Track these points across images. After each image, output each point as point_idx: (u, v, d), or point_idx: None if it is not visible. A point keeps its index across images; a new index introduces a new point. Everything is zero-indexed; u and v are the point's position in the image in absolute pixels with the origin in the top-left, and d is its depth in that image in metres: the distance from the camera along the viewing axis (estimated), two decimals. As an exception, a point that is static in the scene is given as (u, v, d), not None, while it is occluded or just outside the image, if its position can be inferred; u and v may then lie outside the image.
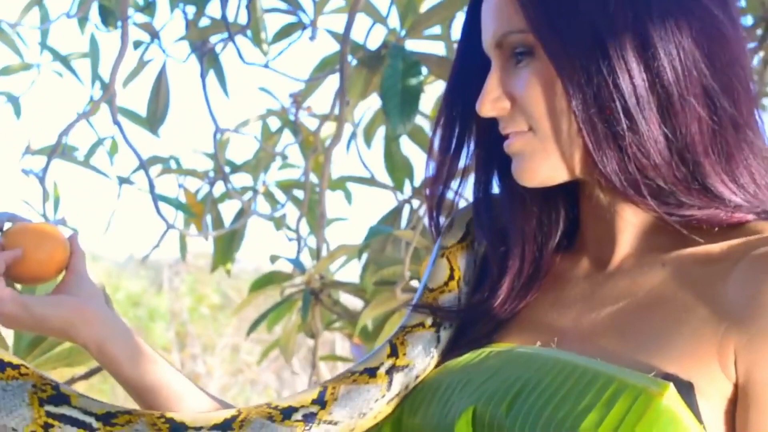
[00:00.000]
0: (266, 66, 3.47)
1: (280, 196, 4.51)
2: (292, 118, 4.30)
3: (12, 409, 1.33)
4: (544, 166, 1.39)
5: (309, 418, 1.42)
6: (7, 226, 1.53)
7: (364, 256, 3.72)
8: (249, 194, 4.37)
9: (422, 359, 1.49)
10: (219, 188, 4.41)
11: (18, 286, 1.58)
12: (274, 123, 4.47)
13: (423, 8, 3.39)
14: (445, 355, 1.50)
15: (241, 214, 4.35)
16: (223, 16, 3.35)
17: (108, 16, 3.75)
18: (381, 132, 4.07)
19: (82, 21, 4.12)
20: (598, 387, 1.23)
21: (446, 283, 1.55)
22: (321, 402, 1.43)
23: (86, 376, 2.69)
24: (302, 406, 1.42)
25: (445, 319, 1.52)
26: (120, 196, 4.16)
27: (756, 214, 1.36)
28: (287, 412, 1.41)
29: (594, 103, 1.31)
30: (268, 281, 3.80)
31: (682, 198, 1.34)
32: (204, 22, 3.74)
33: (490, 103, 1.40)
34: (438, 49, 3.71)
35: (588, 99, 1.32)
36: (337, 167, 4.04)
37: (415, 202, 3.90)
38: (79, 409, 1.35)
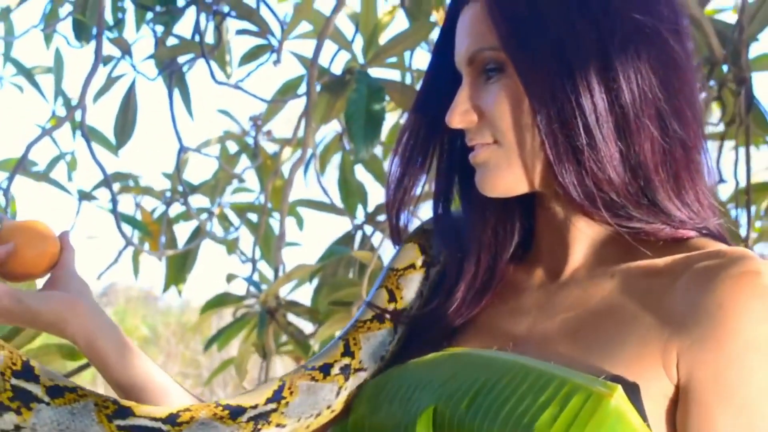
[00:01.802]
0: (236, 86, 3.51)
1: (233, 219, 4.55)
2: (251, 141, 4.34)
3: (84, 429, 1.36)
4: (506, 177, 1.47)
5: (262, 417, 1.46)
6: None
7: (315, 279, 3.77)
8: (204, 215, 4.39)
9: (374, 362, 1.55)
10: (174, 209, 4.45)
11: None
12: (232, 146, 4.51)
13: (383, 37, 3.46)
14: (397, 356, 1.56)
15: (196, 235, 4.37)
16: (198, 34, 3.38)
17: (82, 31, 3.77)
18: (335, 159, 4.14)
19: (48, 35, 4.14)
20: (553, 388, 1.30)
21: (413, 266, 1.63)
22: (277, 400, 1.47)
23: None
24: (255, 405, 1.47)
25: (399, 323, 1.58)
26: (79, 213, 4.16)
27: (698, 231, 1.46)
28: (237, 411, 1.45)
29: (557, 119, 1.40)
30: (220, 302, 3.83)
31: (632, 212, 1.43)
32: (171, 41, 3.77)
33: (460, 116, 1.47)
34: (396, 77, 3.75)
35: (552, 115, 1.40)
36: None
37: (368, 228, 3.95)
38: (144, 417, 1.39)
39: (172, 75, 3.67)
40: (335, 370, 1.54)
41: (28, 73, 4.27)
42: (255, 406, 1.47)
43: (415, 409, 1.39)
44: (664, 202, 1.43)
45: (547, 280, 1.54)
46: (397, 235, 1.65)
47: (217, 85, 3.47)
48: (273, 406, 1.48)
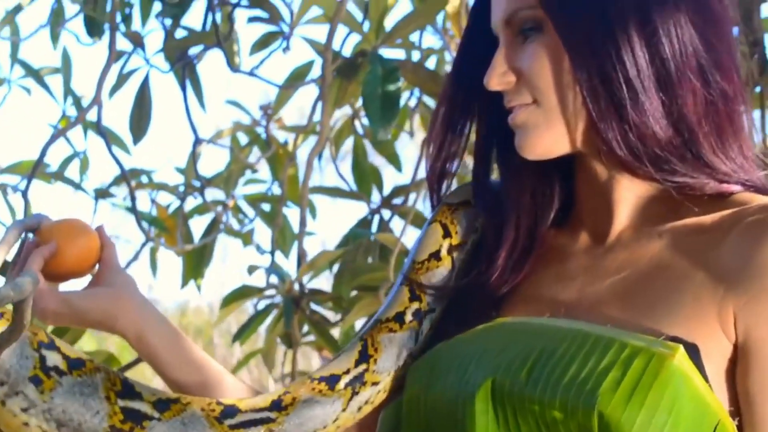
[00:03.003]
0: (252, 74, 3.49)
1: (246, 210, 4.53)
2: (262, 130, 4.32)
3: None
4: (546, 137, 1.46)
5: (357, 380, 1.51)
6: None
7: (335, 267, 3.76)
8: (219, 208, 4.38)
9: (393, 371, 1.55)
10: (188, 204, 4.43)
11: None
12: (242, 137, 4.50)
13: (389, 19, 3.45)
14: (441, 329, 1.56)
15: (212, 229, 4.36)
16: (214, 24, 3.37)
17: (93, 27, 3.75)
18: (347, 143, 4.13)
19: (56, 35, 4.13)
20: (613, 352, 1.29)
21: (436, 255, 1.61)
22: (278, 407, 1.47)
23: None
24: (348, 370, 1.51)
25: (438, 297, 1.58)
26: (96, 211, 4.16)
27: (742, 185, 1.45)
28: (333, 380, 1.50)
29: (598, 74, 1.40)
30: (241, 295, 3.81)
31: (677, 166, 1.42)
32: (180, 33, 3.76)
33: (498, 77, 1.47)
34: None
35: (592, 71, 1.40)
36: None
37: (385, 213, 3.94)
38: (251, 411, 1.45)
39: (185, 67, 3.66)
40: (408, 316, 1.56)
41: (36, 75, 4.26)
42: (348, 371, 1.51)
43: (472, 382, 1.38)
44: (708, 156, 1.42)
45: (592, 244, 1.52)
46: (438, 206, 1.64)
47: (233, 73, 3.46)
48: (364, 366, 1.52)
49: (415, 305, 1.57)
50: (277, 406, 1.45)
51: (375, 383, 1.52)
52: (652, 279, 1.41)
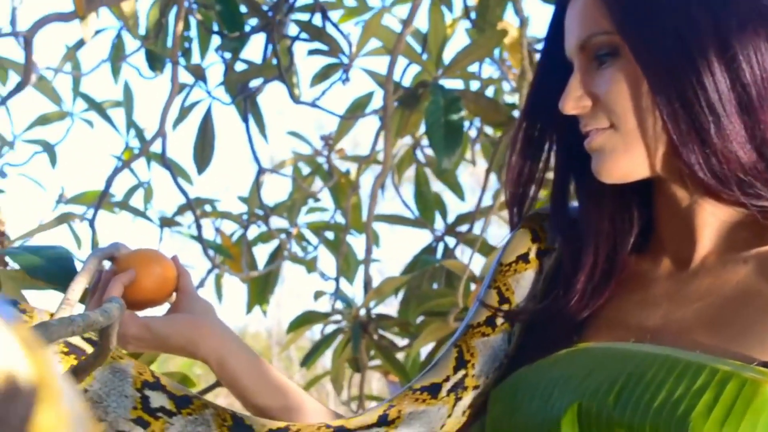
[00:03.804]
0: (314, 105, 3.54)
1: (310, 238, 4.58)
2: (323, 160, 4.37)
3: None
4: (624, 161, 1.45)
5: (458, 386, 1.52)
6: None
7: (400, 294, 3.79)
8: (283, 235, 4.43)
9: (491, 374, 1.57)
10: (251, 232, 4.48)
11: None
12: (304, 166, 4.54)
13: (447, 49, 3.48)
14: (520, 353, 1.57)
15: (275, 256, 4.41)
16: (275, 57, 3.42)
17: (155, 60, 3.82)
18: (409, 172, 4.17)
19: (116, 69, 4.20)
20: (704, 377, 1.28)
21: (524, 257, 1.63)
22: (386, 422, 1.50)
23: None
24: (447, 378, 1.53)
25: (517, 320, 1.59)
26: (162, 240, 4.21)
27: None
28: (435, 389, 1.52)
29: (678, 98, 1.39)
30: (307, 320, 3.85)
31: (761, 191, 1.41)
32: (239, 66, 3.81)
33: (573, 101, 1.47)
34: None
35: (672, 95, 1.39)
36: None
37: (450, 240, 3.96)
38: (360, 429, 1.47)
39: (247, 99, 3.71)
40: (499, 319, 1.58)
41: (98, 108, 4.33)
42: (447, 379, 1.53)
43: (557, 407, 1.37)
44: None
45: (675, 269, 1.52)
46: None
47: (295, 104, 3.50)
48: (462, 372, 1.54)
49: (505, 308, 1.59)
50: (384, 420, 1.48)
51: (476, 387, 1.54)
52: (739, 305, 1.41)
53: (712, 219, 1.48)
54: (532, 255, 1.63)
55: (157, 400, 1.40)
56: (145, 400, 1.39)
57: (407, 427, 1.49)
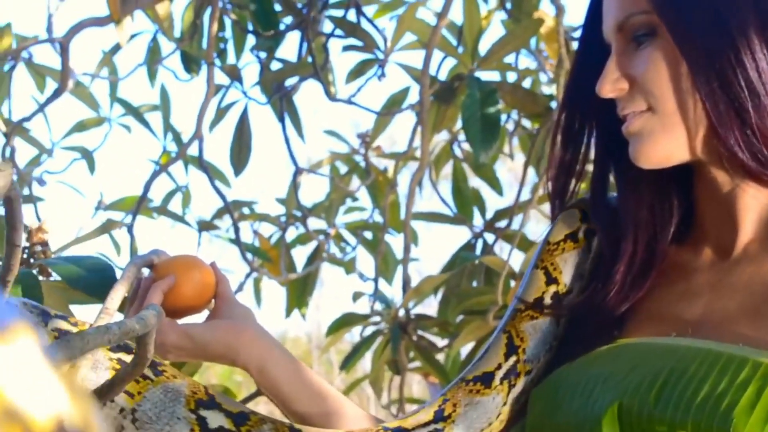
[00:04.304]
0: (350, 102, 3.51)
1: (348, 238, 4.56)
2: (360, 158, 4.35)
3: None
4: (663, 144, 1.41)
5: (510, 373, 1.51)
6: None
7: (439, 293, 3.75)
8: (321, 236, 4.41)
9: (542, 357, 1.54)
10: (289, 234, 4.47)
11: None
12: (342, 165, 4.53)
13: (483, 41, 3.45)
14: (562, 347, 1.54)
15: (314, 258, 4.39)
16: (311, 55, 3.40)
17: (190, 62, 3.81)
18: (446, 168, 4.13)
19: (152, 72, 4.19)
20: (747, 371, 1.24)
21: (573, 237, 1.59)
22: (442, 418, 1.46)
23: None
24: (499, 365, 1.51)
25: (558, 314, 1.55)
26: (200, 244, 4.20)
27: None
28: (487, 379, 1.50)
29: (717, 79, 1.35)
30: (346, 322, 3.83)
31: None
32: (275, 65, 3.79)
33: (610, 84, 1.43)
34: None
35: (711, 75, 1.35)
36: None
37: (489, 237, 3.92)
38: (419, 427, 1.46)
39: (283, 99, 3.69)
40: (547, 299, 1.55)
41: (135, 112, 4.33)
42: (499, 366, 1.51)
43: (598, 406, 1.34)
44: None
45: (716, 258, 1.47)
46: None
47: (331, 102, 3.48)
48: (514, 358, 1.52)
49: (553, 288, 1.56)
50: (440, 416, 1.45)
51: (528, 372, 1.52)
52: None
53: (754, 203, 1.44)
54: (581, 234, 1.59)
55: (215, 420, 1.37)
56: (202, 421, 1.37)
57: (463, 420, 1.47)
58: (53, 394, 0.53)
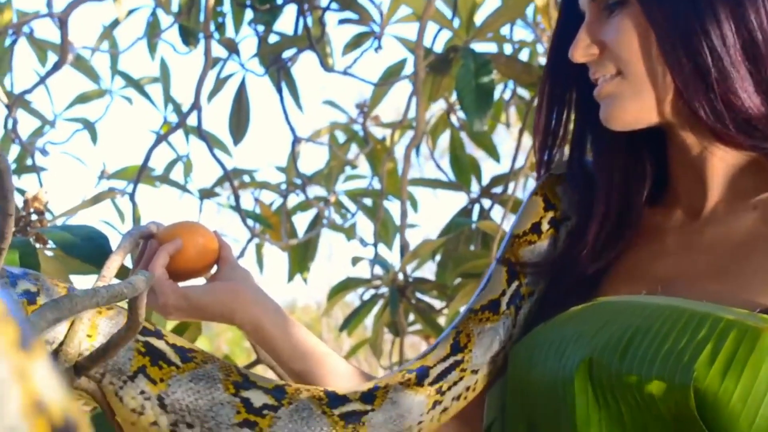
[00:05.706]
0: (346, 73, 3.57)
1: (348, 205, 4.61)
2: (358, 128, 4.40)
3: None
4: (632, 107, 1.48)
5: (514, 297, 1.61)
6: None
7: (437, 257, 3.82)
8: (321, 203, 4.46)
9: (542, 281, 1.62)
10: (290, 201, 4.51)
11: None
12: (341, 134, 4.57)
13: (479, 13, 3.49)
14: (540, 309, 1.61)
15: (315, 224, 4.45)
16: (305, 28, 3.46)
17: (188, 35, 3.86)
18: (444, 137, 4.18)
19: (152, 46, 4.24)
20: (707, 327, 1.30)
21: (536, 228, 1.65)
22: (459, 349, 1.57)
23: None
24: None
25: (532, 275, 1.62)
26: (201, 211, 4.25)
27: None
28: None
29: (682, 45, 1.42)
30: (346, 286, 3.89)
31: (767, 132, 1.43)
32: (272, 38, 3.84)
33: (582, 49, 1.51)
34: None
35: (677, 43, 1.42)
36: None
37: (485, 202, 3.98)
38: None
39: (280, 70, 3.75)
40: (545, 225, 1.65)
41: (136, 84, 4.37)
42: (503, 293, 1.61)
43: (570, 363, 1.39)
44: None
45: (687, 219, 1.54)
46: None
47: (327, 73, 3.54)
48: (516, 282, 1.62)
49: (550, 214, 1.65)
50: (457, 347, 1.57)
51: (531, 294, 1.63)
52: (748, 252, 1.43)
53: (722, 165, 1.50)
54: (545, 225, 1.66)
55: (258, 399, 1.44)
56: (247, 402, 1.44)
57: (480, 347, 1.56)
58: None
